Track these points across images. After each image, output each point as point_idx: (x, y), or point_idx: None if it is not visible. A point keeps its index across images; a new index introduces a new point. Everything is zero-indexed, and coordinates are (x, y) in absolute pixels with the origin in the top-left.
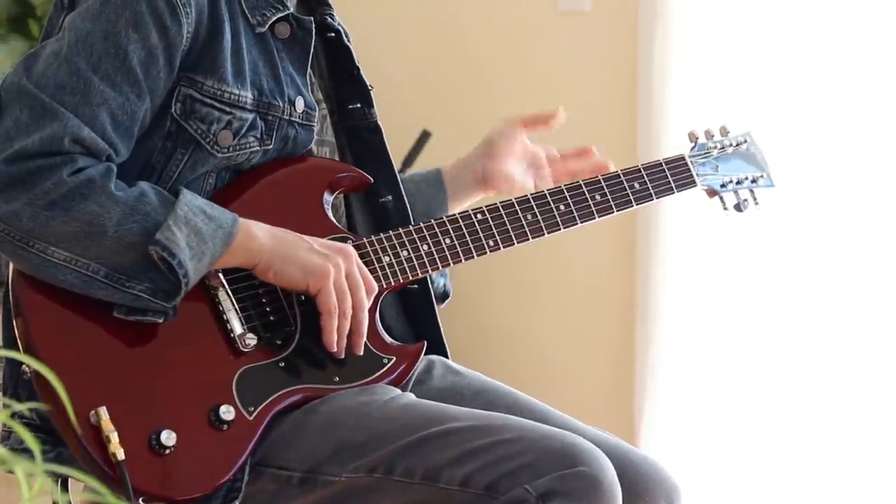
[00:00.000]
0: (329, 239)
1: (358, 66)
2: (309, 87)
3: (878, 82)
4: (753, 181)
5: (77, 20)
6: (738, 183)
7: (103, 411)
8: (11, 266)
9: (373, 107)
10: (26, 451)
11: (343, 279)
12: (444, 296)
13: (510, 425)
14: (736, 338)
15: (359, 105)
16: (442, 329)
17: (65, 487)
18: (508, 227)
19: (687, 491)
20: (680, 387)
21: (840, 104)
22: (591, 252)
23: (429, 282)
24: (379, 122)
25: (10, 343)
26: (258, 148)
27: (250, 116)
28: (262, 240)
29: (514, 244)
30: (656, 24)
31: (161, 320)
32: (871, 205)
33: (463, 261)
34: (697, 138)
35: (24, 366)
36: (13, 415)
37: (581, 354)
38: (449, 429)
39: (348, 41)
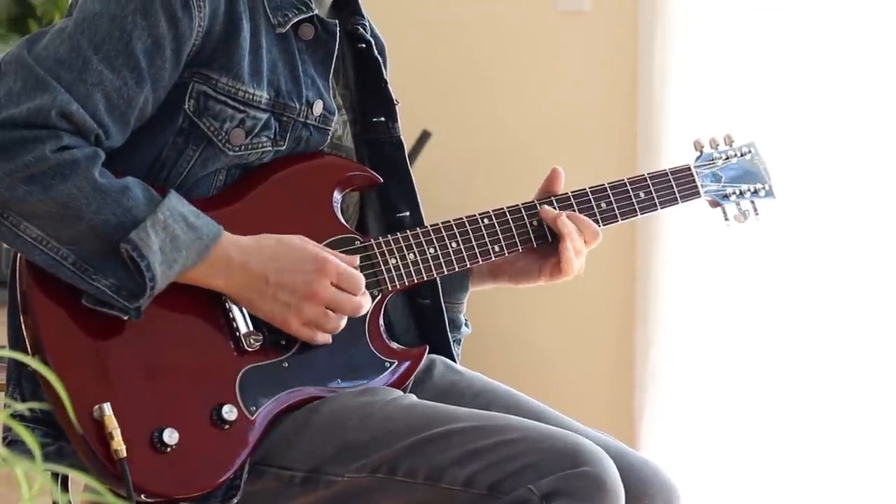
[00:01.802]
0: (336, 239)
1: (386, 80)
2: (331, 92)
3: (878, 82)
4: (755, 192)
5: (88, 1)
6: (740, 194)
7: (107, 407)
8: (18, 263)
9: (397, 122)
10: (27, 447)
11: (315, 315)
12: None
13: (512, 425)
14: (736, 339)
15: (383, 119)
16: (452, 343)
17: (65, 487)
18: (514, 232)
19: (687, 493)
20: (680, 388)
21: (840, 107)
22: (591, 253)
23: (440, 296)
24: (402, 138)
25: (14, 339)
26: (270, 148)
27: (264, 116)
28: (222, 281)
29: (518, 250)
30: (656, 24)
31: (126, 317)
32: (871, 205)
33: (468, 265)
34: (703, 147)
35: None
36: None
37: (581, 356)
38: (451, 429)
39: (380, 54)
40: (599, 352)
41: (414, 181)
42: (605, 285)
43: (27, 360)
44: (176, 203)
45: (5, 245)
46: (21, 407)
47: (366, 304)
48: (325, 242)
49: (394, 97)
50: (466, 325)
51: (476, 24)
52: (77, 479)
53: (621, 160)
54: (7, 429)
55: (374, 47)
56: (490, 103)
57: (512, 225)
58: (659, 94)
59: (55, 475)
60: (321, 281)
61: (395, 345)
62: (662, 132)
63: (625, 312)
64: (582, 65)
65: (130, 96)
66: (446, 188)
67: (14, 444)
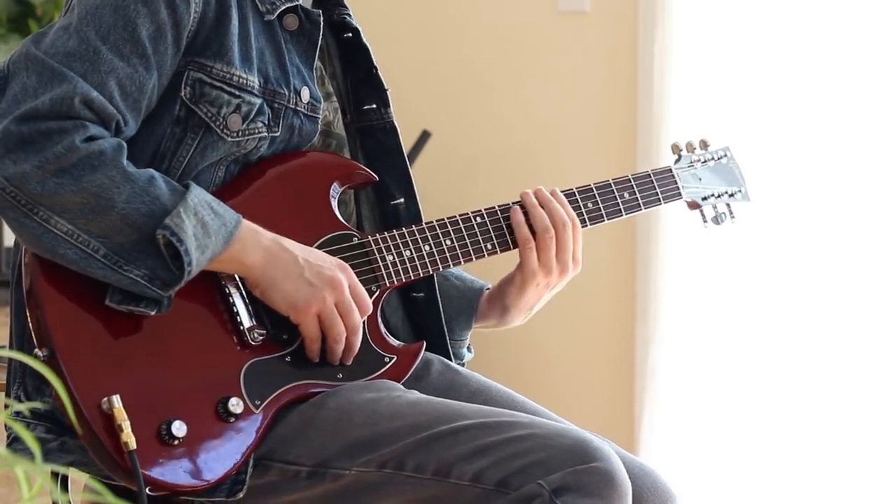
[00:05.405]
0: (333, 236)
1: (376, 66)
2: (315, 81)
3: (876, 82)
4: (731, 195)
5: None
6: (717, 196)
7: (116, 399)
8: (24, 257)
9: (389, 107)
10: (28, 446)
11: (330, 309)
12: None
13: (520, 422)
14: (736, 337)
15: (374, 105)
16: (447, 337)
17: (65, 486)
18: (505, 230)
19: (686, 494)
20: (680, 387)
21: (840, 106)
22: (591, 252)
23: (436, 289)
24: (395, 123)
25: (18, 338)
26: (266, 134)
27: (258, 101)
28: (254, 256)
29: (510, 248)
30: (656, 24)
31: (153, 312)
32: (870, 204)
33: (462, 262)
34: (680, 150)
35: (36, 349)
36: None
37: (581, 355)
38: (459, 426)
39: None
40: (599, 351)
41: (409, 167)
42: (604, 285)
43: (27, 359)
44: (200, 191)
45: (6, 245)
46: (21, 407)
47: (360, 332)
48: (323, 239)
49: (384, 83)
50: (470, 349)
51: (476, 25)
52: (77, 478)
53: (620, 160)
54: (10, 427)
55: (362, 35)
56: (490, 103)
57: (503, 224)
58: (658, 94)
59: (55, 475)
60: (343, 275)
61: (393, 340)
62: (661, 133)
63: (625, 312)
64: (582, 65)
65: (142, 82)
66: (446, 188)
67: (16, 443)
